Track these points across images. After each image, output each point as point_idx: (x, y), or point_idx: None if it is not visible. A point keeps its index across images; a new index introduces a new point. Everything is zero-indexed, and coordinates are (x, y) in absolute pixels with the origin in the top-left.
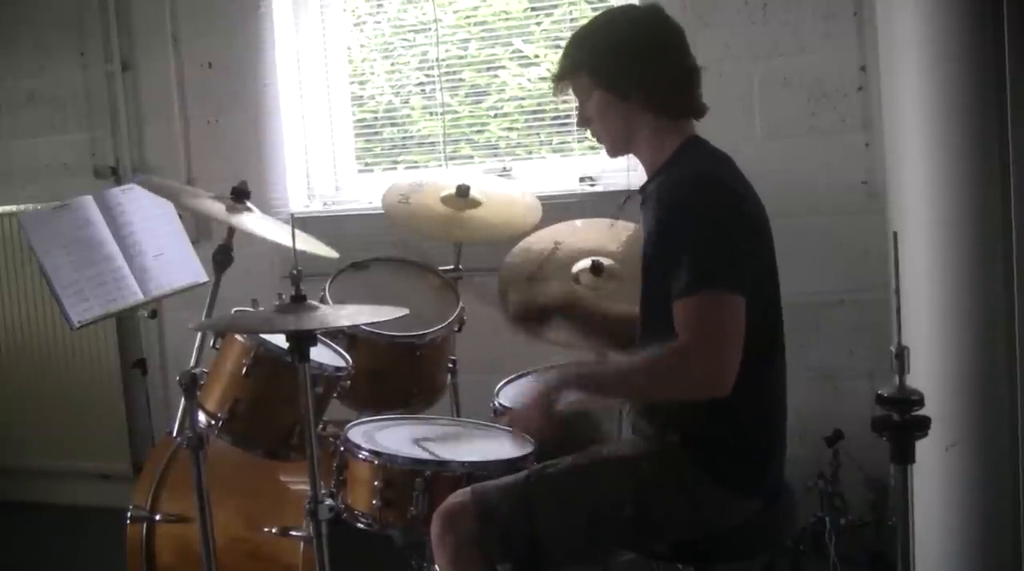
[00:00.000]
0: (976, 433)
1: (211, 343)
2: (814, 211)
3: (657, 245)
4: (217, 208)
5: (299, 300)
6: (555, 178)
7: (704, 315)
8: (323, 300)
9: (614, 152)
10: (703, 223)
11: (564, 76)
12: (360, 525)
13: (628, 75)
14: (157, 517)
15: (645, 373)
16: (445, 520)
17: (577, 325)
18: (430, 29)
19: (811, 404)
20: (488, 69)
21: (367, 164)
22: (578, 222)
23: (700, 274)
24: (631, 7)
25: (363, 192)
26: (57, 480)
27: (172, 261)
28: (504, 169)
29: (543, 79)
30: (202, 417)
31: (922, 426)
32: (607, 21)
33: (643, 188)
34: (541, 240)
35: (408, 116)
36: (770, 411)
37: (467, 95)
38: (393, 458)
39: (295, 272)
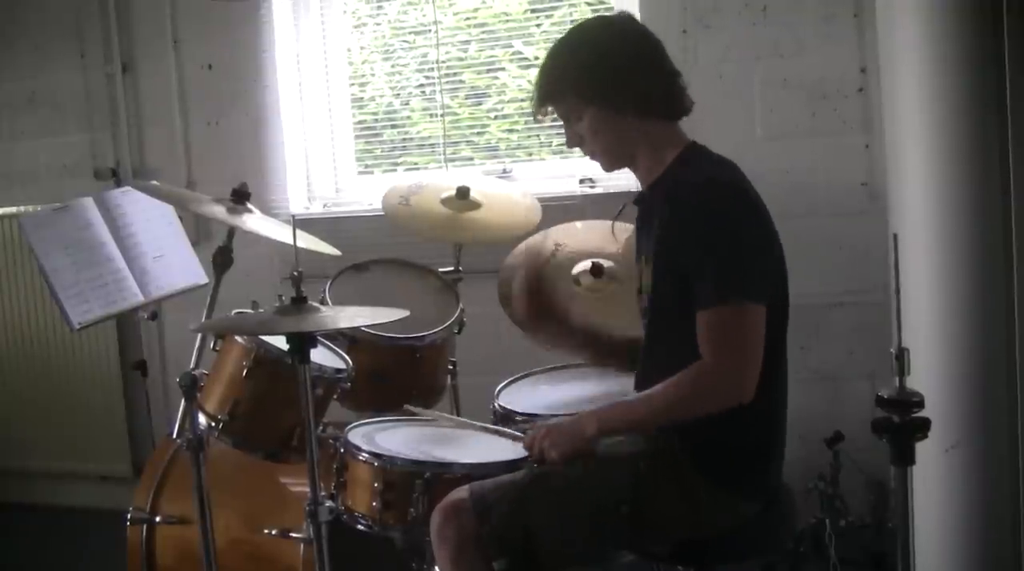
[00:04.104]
0: (976, 434)
1: (211, 345)
2: (814, 212)
3: (672, 250)
4: (218, 210)
5: (299, 302)
6: (555, 180)
7: (730, 327)
8: (323, 302)
9: (611, 167)
10: (723, 230)
11: (547, 100)
12: (360, 527)
13: (620, 88)
14: (157, 519)
15: (676, 398)
16: (444, 515)
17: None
18: (430, 31)
19: (811, 406)
20: (488, 71)
21: (367, 166)
22: (578, 224)
23: (725, 285)
24: (603, 19)
25: (363, 194)
26: (57, 482)
27: (172, 262)
28: (504, 171)
29: None
30: (202, 419)
31: (922, 428)
32: (586, 39)
33: (641, 196)
34: (541, 242)
35: (408, 118)
36: (770, 412)
37: (467, 97)
38: (393, 460)
39: (296, 273)
